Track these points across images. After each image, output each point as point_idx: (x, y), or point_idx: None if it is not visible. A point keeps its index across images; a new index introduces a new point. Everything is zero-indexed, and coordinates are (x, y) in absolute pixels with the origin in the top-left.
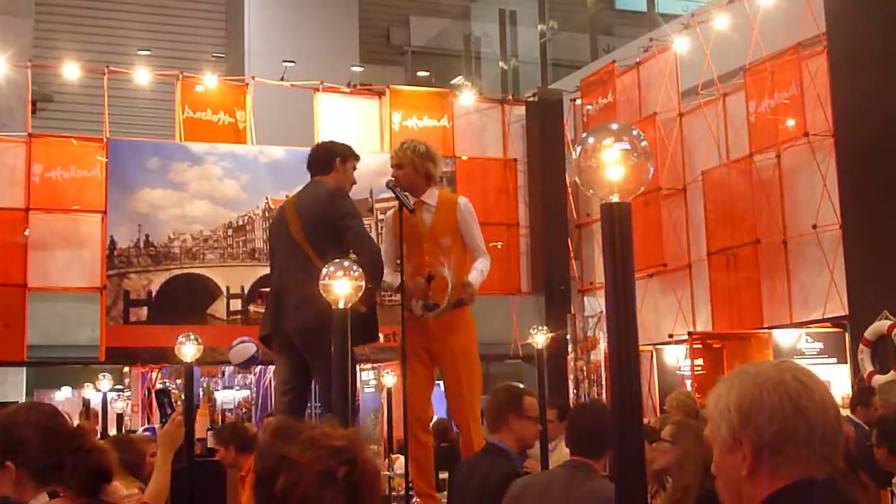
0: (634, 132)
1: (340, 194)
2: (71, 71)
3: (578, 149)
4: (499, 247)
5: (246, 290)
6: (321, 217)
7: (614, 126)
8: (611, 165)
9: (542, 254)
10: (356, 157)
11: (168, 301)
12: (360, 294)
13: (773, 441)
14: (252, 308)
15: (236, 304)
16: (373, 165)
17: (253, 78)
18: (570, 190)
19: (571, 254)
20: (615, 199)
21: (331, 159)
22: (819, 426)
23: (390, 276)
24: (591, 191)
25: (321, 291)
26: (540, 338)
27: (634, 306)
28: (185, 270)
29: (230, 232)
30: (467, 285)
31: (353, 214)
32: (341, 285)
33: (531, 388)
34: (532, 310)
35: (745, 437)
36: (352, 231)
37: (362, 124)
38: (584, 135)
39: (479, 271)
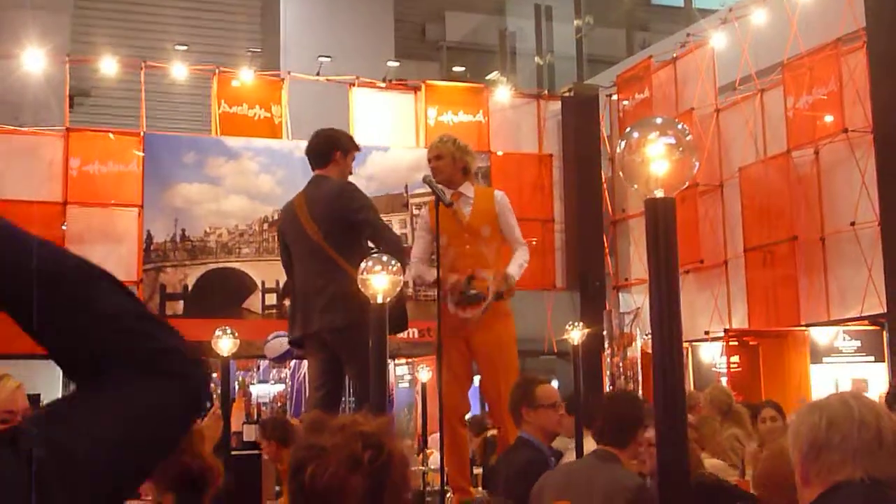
0: (679, 126)
1: (349, 189)
2: (108, 66)
3: (622, 143)
4: (534, 243)
5: (281, 285)
6: (335, 215)
7: (659, 120)
8: (655, 160)
9: (578, 250)
10: (357, 148)
11: (204, 295)
12: (398, 288)
13: (811, 450)
14: (287, 303)
15: (271, 299)
16: (408, 161)
17: (289, 73)
18: (605, 186)
19: (606, 250)
20: (659, 194)
21: (330, 150)
22: (853, 437)
23: (427, 272)
24: (635, 185)
25: (359, 287)
26: (576, 334)
27: (678, 300)
28: (221, 264)
29: (266, 226)
30: (507, 277)
31: (368, 206)
32: (379, 280)
33: (566, 384)
34: (567, 306)
35: (796, 449)
36: (369, 223)
37: (398, 119)
38: (629, 129)
39: (518, 265)
